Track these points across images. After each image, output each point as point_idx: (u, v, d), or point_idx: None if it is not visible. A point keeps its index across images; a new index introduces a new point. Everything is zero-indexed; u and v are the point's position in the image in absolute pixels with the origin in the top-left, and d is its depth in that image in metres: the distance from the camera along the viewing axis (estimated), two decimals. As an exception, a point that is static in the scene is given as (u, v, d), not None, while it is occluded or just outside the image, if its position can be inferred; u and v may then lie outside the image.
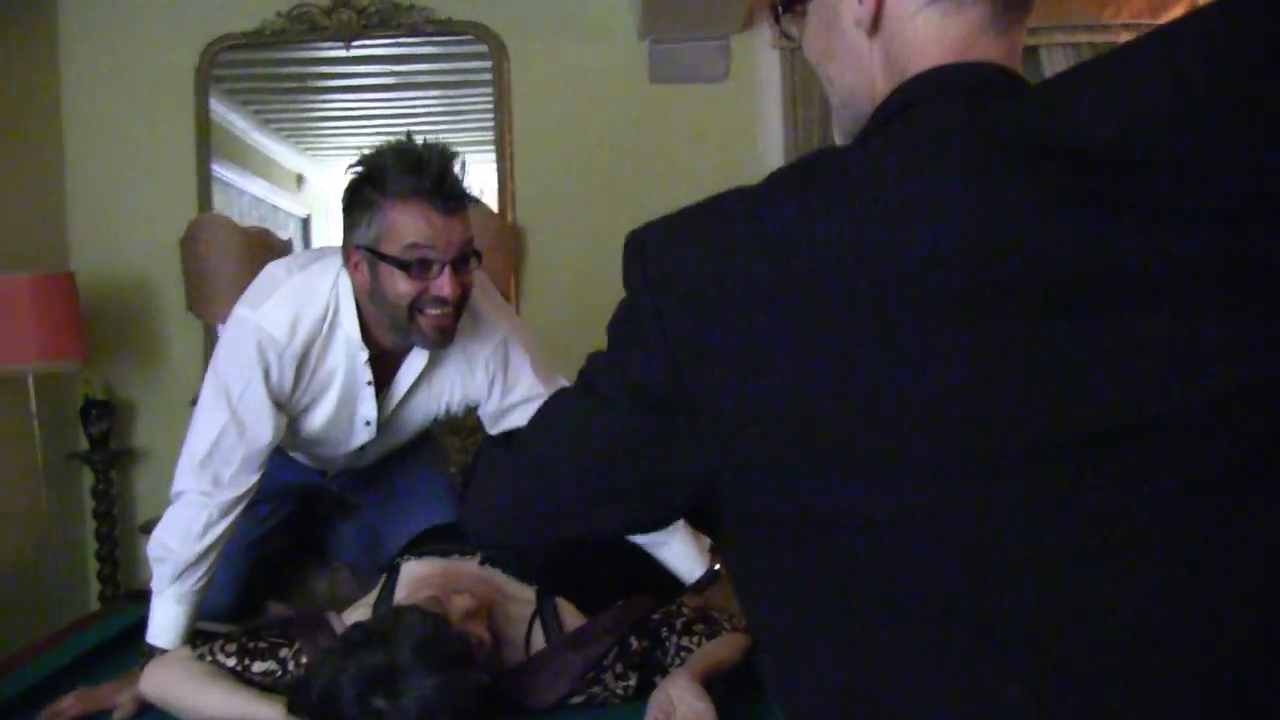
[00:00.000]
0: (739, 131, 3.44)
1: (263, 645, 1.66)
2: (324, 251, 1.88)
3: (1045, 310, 0.62)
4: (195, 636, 1.78)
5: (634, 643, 1.64)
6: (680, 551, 1.86)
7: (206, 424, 1.78)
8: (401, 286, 1.66)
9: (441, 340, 1.75)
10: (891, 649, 0.67)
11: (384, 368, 1.87)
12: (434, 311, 1.68)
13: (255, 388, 1.75)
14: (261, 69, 3.63)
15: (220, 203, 3.50)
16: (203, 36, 3.43)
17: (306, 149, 3.64)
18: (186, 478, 1.78)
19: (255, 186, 3.60)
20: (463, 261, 1.68)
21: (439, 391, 1.92)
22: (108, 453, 3.43)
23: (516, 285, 3.46)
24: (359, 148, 1.93)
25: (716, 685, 1.50)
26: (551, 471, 0.83)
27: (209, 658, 1.65)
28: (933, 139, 0.69)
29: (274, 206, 3.59)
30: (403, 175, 1.61)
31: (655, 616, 1.71)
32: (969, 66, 0.74)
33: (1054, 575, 0.63)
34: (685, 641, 1.66)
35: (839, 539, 0.67)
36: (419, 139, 1.67)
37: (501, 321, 1.90)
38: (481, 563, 1.78)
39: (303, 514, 2.25)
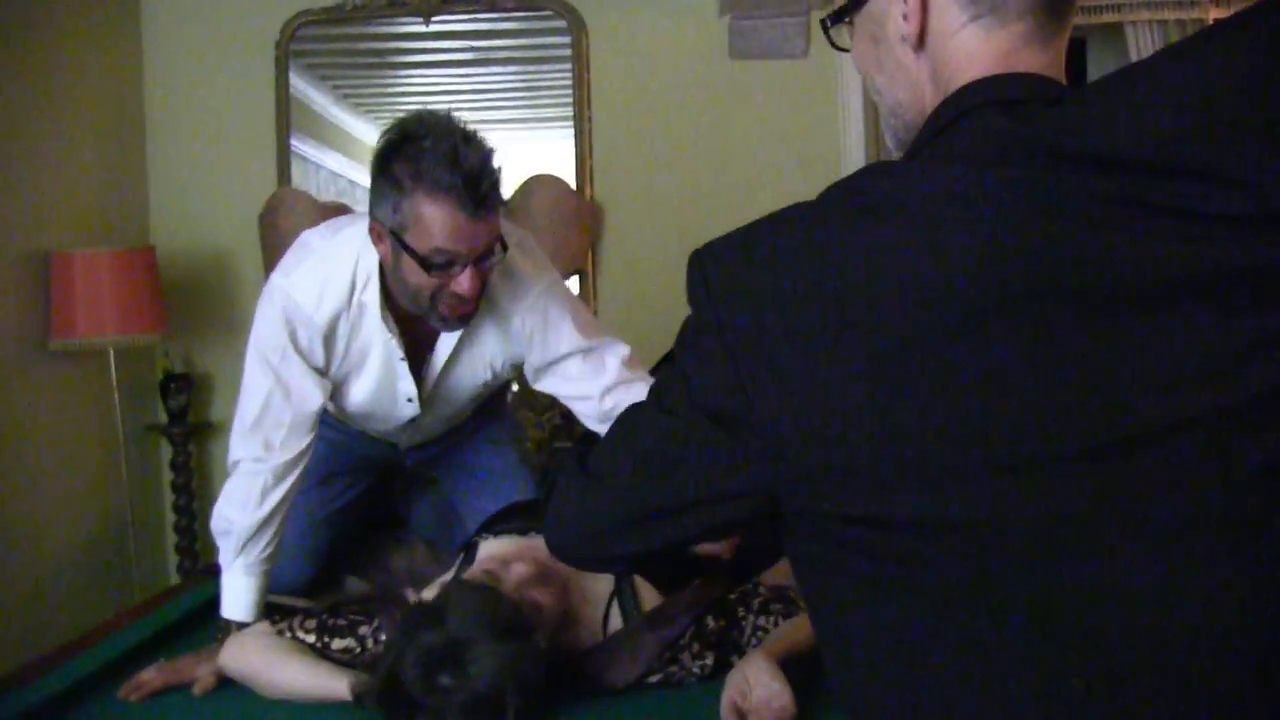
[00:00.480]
0: (819, 108, 3.34)
1: (342, 623, 1.65)
2: (356, 218, 1.85)
3: (1091, 313, 0.65)
4: (274, 611, 1.77)
5: (711, 622, 1.63)
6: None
7: (252, 390, 1.79)
8: (421, 280, 1.64)
9: (459, 324, 1.74)
10: (959, 653, 0.70)
11: (420, 339, 1.85)
12: (452, 303, 1.67)
13: (290, 354, 1.76)
14: (341, 44, 3.63)
15: (299, 177, 3.50)
16: (283, 11, 3.43)
17: (385, 124, 3.61)
18: (239, 445, 1.80)
19: (333, 161, 3.60)
20: (486, 257, 1.65)
21: (481, 356, 1.90)
22: (186, 426, 3.46)
23: (594, 261, 3.41)
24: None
25: (792, 666, 1.49)
26: (625, 486, 0.86)
27: (289, 634, 1.64)
28: (979, 150, 0.71)
29: (351, 181, 3.58)
30: (438, 167, 1.55)
31: (732, 596, 1.69)
32: (1013, 78, 0.77)
33: (1112, 571, 0.66)
34: (762, 621, 1.65)
35: (907, 545, 0.69)
36: (464, 122, 1.62)
37: (539, 279, 1.85)
38: None
39: (380, 488, 2.24)
